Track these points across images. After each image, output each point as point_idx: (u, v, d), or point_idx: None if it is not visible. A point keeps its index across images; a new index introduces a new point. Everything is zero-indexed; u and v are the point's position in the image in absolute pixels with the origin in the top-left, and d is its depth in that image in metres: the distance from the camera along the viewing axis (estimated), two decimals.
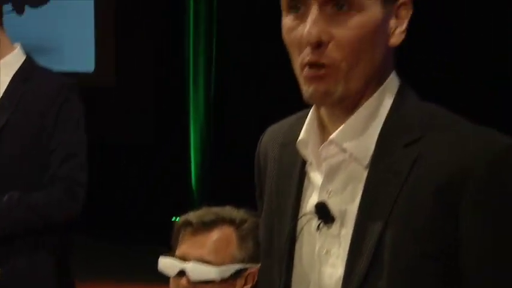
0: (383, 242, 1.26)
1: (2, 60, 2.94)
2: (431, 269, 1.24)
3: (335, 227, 1.33)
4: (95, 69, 7.45)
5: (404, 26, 1.33)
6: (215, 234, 2.12)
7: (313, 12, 1.26)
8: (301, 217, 1.36)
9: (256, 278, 2.11)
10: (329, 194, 1.32)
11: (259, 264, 1.78)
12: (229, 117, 7.64)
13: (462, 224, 1.22)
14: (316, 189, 1.36)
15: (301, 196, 1.40)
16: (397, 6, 1.31)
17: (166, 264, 2.12)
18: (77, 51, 7.53)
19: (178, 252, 2.13)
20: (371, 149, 1.30)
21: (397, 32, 1.32)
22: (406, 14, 1.33)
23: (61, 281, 2.96)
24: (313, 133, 1.35)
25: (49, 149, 2.91)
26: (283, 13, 1.32)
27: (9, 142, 2.92)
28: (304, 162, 1.38)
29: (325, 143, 1.31)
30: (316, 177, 1.36)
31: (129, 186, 7.55)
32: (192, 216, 2.14)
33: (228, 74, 7.57)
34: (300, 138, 1.36)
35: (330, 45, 1.27)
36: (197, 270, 2.09)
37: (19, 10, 7.39)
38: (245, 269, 2.10)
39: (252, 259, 2.10)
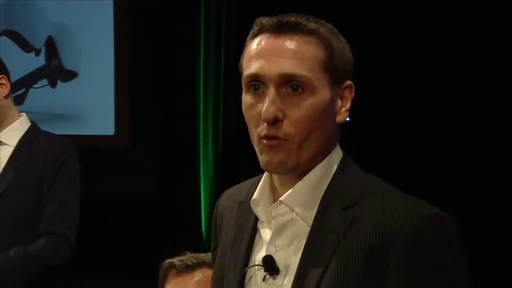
0: None
1: (9, 127, 3.11)
2: None
3: (279, 278, 1.38)
4: (114, 133, 7.94)
5: (348, 105, 1.41)
6: (196, 276, 2.26)
7: (271, 92, 1.33)
8: (249, 268, 1.41)
9: None
10: (276, 249, 1.38)
11: None
12: (237, 170, 7.79)
13: (390, 279, 1.29)
14: (265, 244, 1.41)
15: (251, 250, 1.44)
16: (342, 88, 1.39)
17: None
18: (100, 119, 8.03)
19: None
20: (315, 210, 1.37)
21: (343, 110, 1.40)
22: (349, 95, 1.41)
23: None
24: (265, 194, 1.41)
25: (44, 201, 3.03)
26: (244, 90, 1.38)
27: (13, 201, 3.04)
28: (256, 220, 1.43)
29: (275, 203, 1.39)
30: (265, 233, 1.41)
31: (143, 239, 7.69)
32: (176, 260, 2.30)
33: (237, 127, 7.75)
34: (253, 198, 1.42)
35: (285, 122, 1.34)
36: None
37: (52, 85, 7.87)
38: None
39: None
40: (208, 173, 7.86)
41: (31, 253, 2.94)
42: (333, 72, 1.38)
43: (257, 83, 1.35)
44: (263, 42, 1.35)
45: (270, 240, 1.40)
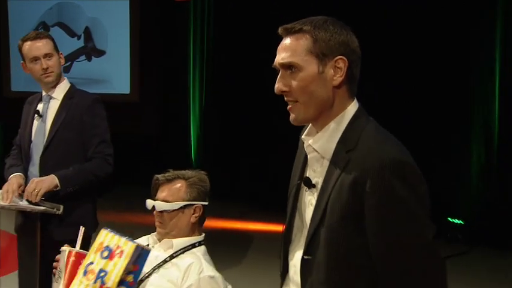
0: (328, 204, 1.59)
1: (57, 87, 3.28)
2: (348, 225, 1.56)
3: (313, 190, 1.65)
4: (129, 92, 9.15)
5: (340, 73, 1.60)
6: (172, 185, 2.59)
7: (280, 73, 1.63)
8: (299, 182, 1.70)
9: (202, 210, 2.59)
10: (314, 172, 1.65)
11: (204, 202, 2.56)
12: (216, 119, 8.50)
13: (364, 202, 1.53)
14: (309, 169, 1.69)
15: (304, 171, 1.72)
16: (334, 61, 1.59)
17: (147, 203, 2.60)
18: (120, 82, 9.11)
19: (154, 197, 2.61)
20: (331, 151, 1.60)
21: (336, 77, 1.60)
22: (342, 65, 1.60)
23: (95, 215, 3.34)
24: (306, 137, 1.67)
25: (88, 136, 3.22)
26: None
27: (65, 135, 3.21)
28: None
29: (307, 145, 1.65)
30: (309, 161, 1.69)
31: (147, 161, 8.17)
32: (161, 175, 2.62)
33: (216, 87, 8.53)
34: (300, 139, 1.69)
35: (291, 91, 1.62)
36: (160, 205, 2.56)
37: (88, 59, 9.20)
38: (191, 205, 2.56)
39: (197, 199, 2.57)
40: (195, 119, 8.80)
41: (85, 167, 3.20)
42: (319, 53, 1.59)
43: (277, 69, 1.63)
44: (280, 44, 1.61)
45: (309, 166, 1.67)
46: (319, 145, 1.63)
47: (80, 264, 2.36)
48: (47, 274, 3.07)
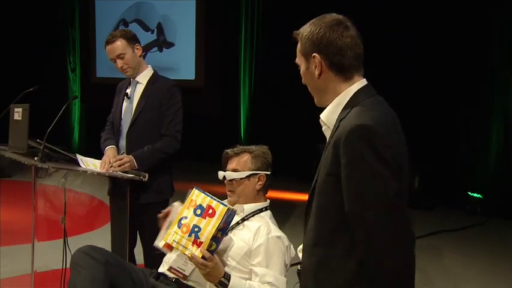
0: (321, 162, 1.63)
1: (142, 73, 3.32)
2: (330, 181, 1.57)
3: None
4: (194, 78, 9.34)
5: (319, 67, 1.64)
6: (239, 158, 2.67)
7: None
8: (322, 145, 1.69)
9: (266, 178, 2.64)
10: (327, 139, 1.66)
11: (266, 171, 2.63)
12: (263, 102, 8.63)
13: (340, 161, 1.54)
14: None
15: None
16: (312, 58, 1.65)
17: (219, 174, 2.67)
18: (186, 70, 9.30)
19: (224, 168, 2.69)
20: (334, 121, 1.63)
21: (316, 71, 1.65)
22: (317, 61, 1.64)
23: (171, 183, 3.40)
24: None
25: (163, 116, 3.26)
26: None
27: (147, 115, 3.27)
28: None
29: (321, 119, 1.70)
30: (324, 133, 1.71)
31: (210, 138, 8.55)
32: (229, 149, 2.70)
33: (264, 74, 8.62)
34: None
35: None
36: (229, 175, 2.63)
37: (160, 50, 9.46)
38: (256, 174, 2.62)
39: (260, 169, 2.64)
40: (245, 101, 9.01)
41: (157, 147, 3.22)
42: (303, 53, 1.66)
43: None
44: None
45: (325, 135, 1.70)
46: (324, 116, 1.67)
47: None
48: (133, 229, 3.27)
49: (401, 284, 1.50)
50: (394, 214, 1.50)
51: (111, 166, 3.03)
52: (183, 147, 3.35)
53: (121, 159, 3.07)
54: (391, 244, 1.49)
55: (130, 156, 3.12)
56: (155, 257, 2.73)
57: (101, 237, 2.76)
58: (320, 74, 1.65)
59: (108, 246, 3.15)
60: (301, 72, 1.70)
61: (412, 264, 1.53)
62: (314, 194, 1.65)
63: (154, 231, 2.64)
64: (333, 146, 1.57)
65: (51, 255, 3.31)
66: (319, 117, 1.70)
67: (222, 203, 2.37)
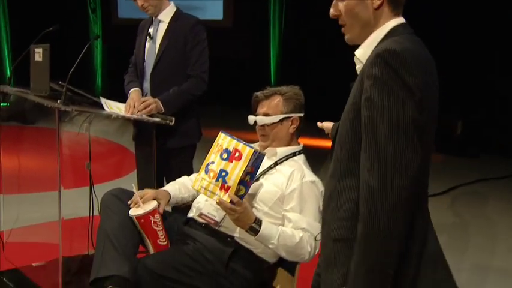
0: (351, 92, 1.64)
1: (164, 11, 3.31)
2: (353, 110, 1.59)
3: None
4: (222, 18, 9.47)
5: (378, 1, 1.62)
6: (270, 101, 2.65)
7: (334, 1, 1.70)
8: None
9: (299, 121, 2.63)
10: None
11: (300, 114, 2.62)
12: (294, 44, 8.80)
13: (363, 84, 1.55)
14: None
15: None
16: None
17: (249, 118, 2.66)
18: (214, 9, 9.37)
19: (254, 112, 2.68)
20: (367, 56, 1.61)
21: (375, 1, 1.63)
22: None
23: (199, 127, 3.39)
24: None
25: (189, 55, 3.25)
26: None
27: (171, 55, 3.26)
28: None
29: (355, 58, 1.69)
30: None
31: (240, 81, 8.66)
32: (259, 92, 2.68)
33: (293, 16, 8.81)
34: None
35: (341, 15, 1.69)
36: (261, 120, 2.62)
37: None
38: (289, 117, 2.61)
39: (293, 111, 2.61)
40: (275, 44, 9.22)
41: (183, 89, 3.23)
42: None
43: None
44: None
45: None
46: (360, 53, 1.67)
47: None
48: (160, 175, 3.28)
49: (394, 214, 1.47)
50: (409, 144, 1.48)
51: (137, 110, 3.05)
52: (211, 91, 3.34)
53: (146, 102, 3.07)
54: (394, 173, 1.46)
55: (156, 99, 3.12)
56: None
57: (128, 185, 2.78)
58: (379, 6, 1.63)
59: None
60: (346, 2, 1.66)
61: (407, 196, 1.49)
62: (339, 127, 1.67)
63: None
64: (360, 74, 1.59)
65: (78, 203, 3.39)
66: (354, 55, 1.69)
67: (249, 145, 2.37)
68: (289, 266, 2.58)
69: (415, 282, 1.55)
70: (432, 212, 1.63)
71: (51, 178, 2.84)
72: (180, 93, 3.21)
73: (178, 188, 2.77)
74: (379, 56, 1.52)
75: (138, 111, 3.03)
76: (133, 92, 3.24)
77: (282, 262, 2.57)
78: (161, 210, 2.61)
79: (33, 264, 3.28)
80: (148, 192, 2.66)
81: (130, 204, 2.56)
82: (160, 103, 3.11)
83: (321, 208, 1.85)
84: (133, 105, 3.07)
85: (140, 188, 3.24)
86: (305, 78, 7.88)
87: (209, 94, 3.33)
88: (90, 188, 3.25)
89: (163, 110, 3.11)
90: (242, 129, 2.76)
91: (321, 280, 1.66)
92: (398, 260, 1.49)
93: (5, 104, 3.49)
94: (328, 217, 1.64)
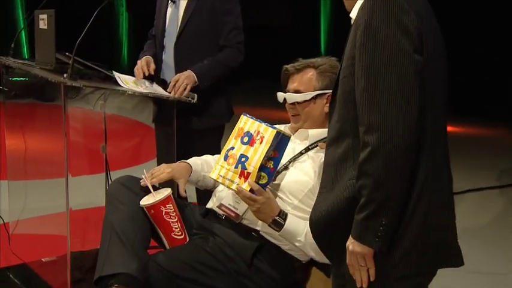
0: (345, 48, 1.78)
1: None
2: (351, 65, 1.70)
3: None
4: None
5: None
6: (302, 75, 2.60)
7: None
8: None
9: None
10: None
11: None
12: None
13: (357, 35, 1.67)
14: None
15: None
16: None
17: (278, 95, 2.65)
18: None
19: (284, 88, 2.66)
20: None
21: None
22: None
23: (229, 105, 3.46)
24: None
25: (221, 24, 3.29)
26: None
27: (197, 22, 3.28)
28: None
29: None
30: None
31: (272, 51, 8.77)
32: (289, 65, 2.64)
33: None
34: None
35: None
36: (291, 97, 2.60)
37: None
38: (324, 93, 2.57)
39: (329, 87, 2.52)
40: (326, 14, 9.55)
41: (218, 60, 3.29)
42: None
43: None
44: None
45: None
46: (353, 14, 1.75)
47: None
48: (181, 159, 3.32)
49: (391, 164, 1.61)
50: (407, 90, 1.59)
51: (177, 91, 3.07)
52: (247, 63, 3.36)
53: (180, 81, 3.10)
54: (394, 124, 1.59)
55: (190, 71, 3.15)
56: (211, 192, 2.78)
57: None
58: None
59: None
60: None
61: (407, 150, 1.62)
62: (338, 85, 1.77)
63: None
64: (353, 25, 1.69)
65: (95, 191, 3.44)
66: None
67: (272, 127, 2.36)
68: (325, 265, 2.53)
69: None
70: None
71: (62, 163, 2.84)
72: (216, 64, 3.25)
73: (200, 164, 2.77)
74: (369, 0, 1.62)
75: (176, 94, 3.06)
76: (143, 59, 3.27)
77: (316, 261, 2.55)
78: (182, 191, 2.60)
79: (43, 259, 3.33)
80: (163, 170, 2.65)
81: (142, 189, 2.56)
82: (194, 75, 3.14)
83: (323, 174, 1.88)
84: (140, 67, 3.12)
85: None
86: None
87: (246, 67, 3.38)
88: (106, 174, 3.29)
89: (197, 83, 3.15)
90: (281, 107, 2.71)
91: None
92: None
93: (17, 78, 3.49)
94: (340, 178, 1.74)
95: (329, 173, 1.83)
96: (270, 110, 2.58)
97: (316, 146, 2.55)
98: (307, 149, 2.55)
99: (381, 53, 1.60)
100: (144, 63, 3.21)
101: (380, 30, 1.60)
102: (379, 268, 1.71)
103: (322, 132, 2.54)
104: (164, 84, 3.23)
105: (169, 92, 3.10)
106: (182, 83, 3.10)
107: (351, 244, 1.70)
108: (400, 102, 1.60)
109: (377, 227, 1.65)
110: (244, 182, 2.34)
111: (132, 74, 3.19)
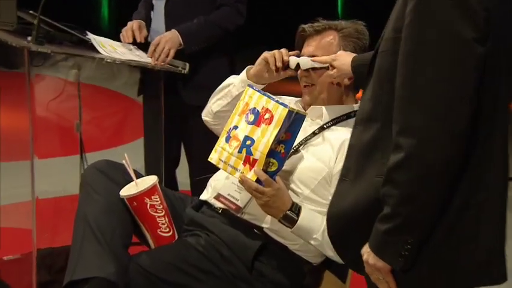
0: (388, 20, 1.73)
1: None
2: (394, 39, 1.64)
3: None
4: None
5: None
6: (322, 37, 2.61)
7: None
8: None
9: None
10: None
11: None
12: None
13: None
14: None
15: None
16: None
17: (291, 60, 2.62)
18: None
19: (299, 52, 2.65)
20: None
21: None
22: None
23: (234, 69, 3.37)
24: None
25: None
26: None
27: None
28: None
29: None
30: None
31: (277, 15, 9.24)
32: (307, 25, 2.63)
33: None
34: None
35: None
36: (306, 62, 2.58)
37: None
38: None
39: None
40: None
41: (211, 19, 3.29)
42: None
43: None
44: None
45: None
46: None
47: None
48: (176, 140, 3.35)
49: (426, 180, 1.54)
50: (461, 89, 1.50)
51: (158, 57, 3.07)
52: (249, 28, 3.36)
53: (160, 45, 3.09)
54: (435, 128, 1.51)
55: (174, 31, 3.16)
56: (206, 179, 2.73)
57: (133, 154, 2.75)
58: None
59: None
60: None
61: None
62: (376, 57, 1.73)
63: (205, 143, 2.64)
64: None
65: (69, 176, 3.42)
66: None
67: (283, 104, 2.31)
68: (340, 268, 2.54)
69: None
70: None
71: (27, 142, 2.84)
72: (207, 24, 3.25)
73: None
74: None
75: (158, 61, 3.06)
76: (134, 22, 3.28)
77: (329, 263, 2.55)
78: None
79: (4, 258, 3.33)
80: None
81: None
82: (178, 35, 3.14)
83: (346, 156, 1.85)
84: (128, 29, 3.14)
85: (147, 156, 3.30)
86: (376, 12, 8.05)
87: (248, 31, 3.42)
88: (81, 156, 3.30)
89: (182, 45, 3.13)
90: (293, 80, 2.66)
91: None
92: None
93: None
94: (366, 171, 1.71)
95: (353, 159, 1.78)
96: (279, 82, 2.52)
97: (333, 125, 2.52)
98: (321, 129, 2.52)
99: (431, 39, 1.52)
100: (136, 27, 3.21)
101: (434, 8, 1.51)
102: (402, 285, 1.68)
103: (340, 110, 2.53)
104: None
105: (151, 58, 3.10)
106: (163, 47, 3.08)
107: (366, 253, 1.67)
108: (450, 104, 1.51)
109: (401, 245, 1.59)
110: (250, 170, 2.31)
111: (114, 39, 3.17)
